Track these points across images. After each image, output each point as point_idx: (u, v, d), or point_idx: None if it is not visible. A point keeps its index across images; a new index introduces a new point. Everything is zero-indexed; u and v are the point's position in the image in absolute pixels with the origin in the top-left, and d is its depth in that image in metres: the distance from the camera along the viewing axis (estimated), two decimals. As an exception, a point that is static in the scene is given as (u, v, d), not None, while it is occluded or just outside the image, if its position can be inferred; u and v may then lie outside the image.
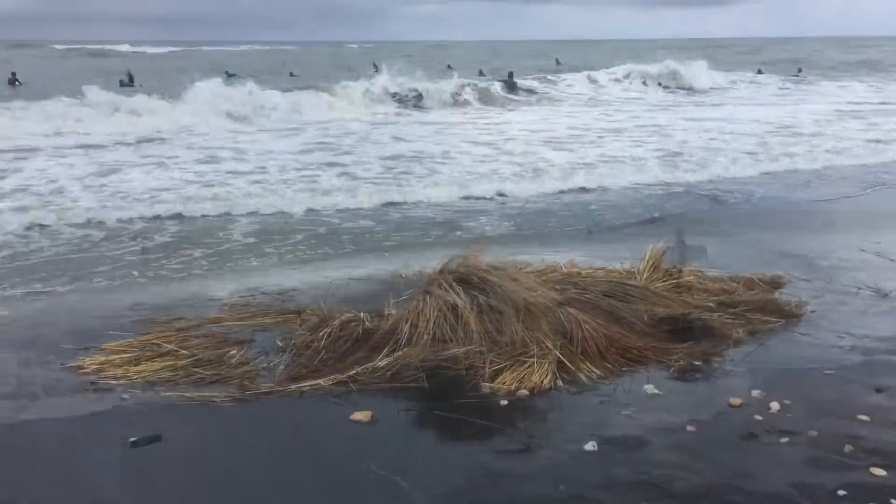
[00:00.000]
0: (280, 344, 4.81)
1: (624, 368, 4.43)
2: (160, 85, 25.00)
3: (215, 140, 15.78)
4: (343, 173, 12.05)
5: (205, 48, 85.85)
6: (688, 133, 16.99)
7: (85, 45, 76.99)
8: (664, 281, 5.49)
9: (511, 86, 28.61)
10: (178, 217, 9.12)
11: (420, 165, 12.67)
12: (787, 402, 3.98)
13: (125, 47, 75.10)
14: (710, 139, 15.98)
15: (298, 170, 12.30)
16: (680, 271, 5.69)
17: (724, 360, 4.57)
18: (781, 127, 18.09)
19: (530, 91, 29.23)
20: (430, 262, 5.46)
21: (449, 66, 39.63)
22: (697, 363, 4.52)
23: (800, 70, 40.31)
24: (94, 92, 19.51)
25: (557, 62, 47.09)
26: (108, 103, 19.03)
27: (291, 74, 37.79)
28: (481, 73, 34.75)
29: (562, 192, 10.79)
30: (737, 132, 17.06)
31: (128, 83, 29.56)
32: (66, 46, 76.23)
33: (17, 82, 29.82)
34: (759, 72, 38.76)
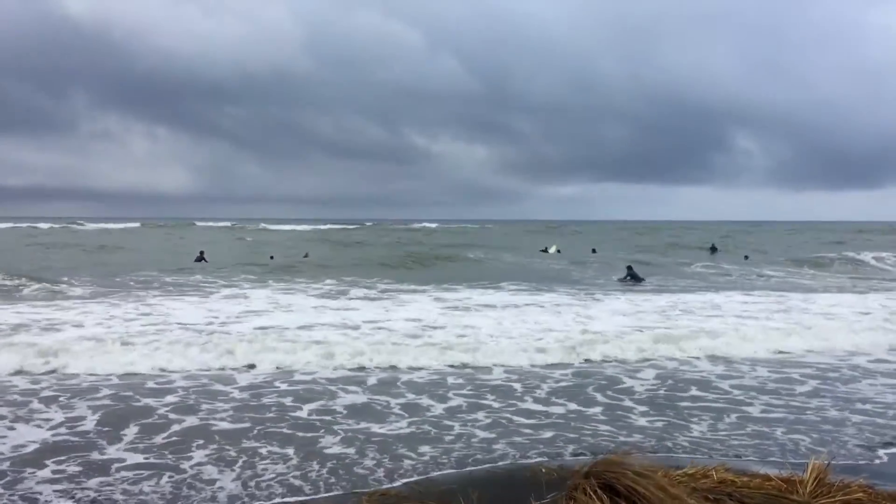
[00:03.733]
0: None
1: None
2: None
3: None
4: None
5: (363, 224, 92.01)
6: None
7: (231, 223, 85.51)
8: (830, 497, 5.04)
9: None
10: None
11: None
12: None
13: (296, 226, 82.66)
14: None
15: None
16: (848, 485, 5.22)
17: None
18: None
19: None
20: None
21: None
22: None
23: None
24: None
25: (714, 249, 47.28)
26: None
27: None
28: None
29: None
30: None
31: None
32: (226, 223, 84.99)
33: (203, 260, 32.95)
34: None
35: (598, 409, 8.51)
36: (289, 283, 23.59)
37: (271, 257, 33.23)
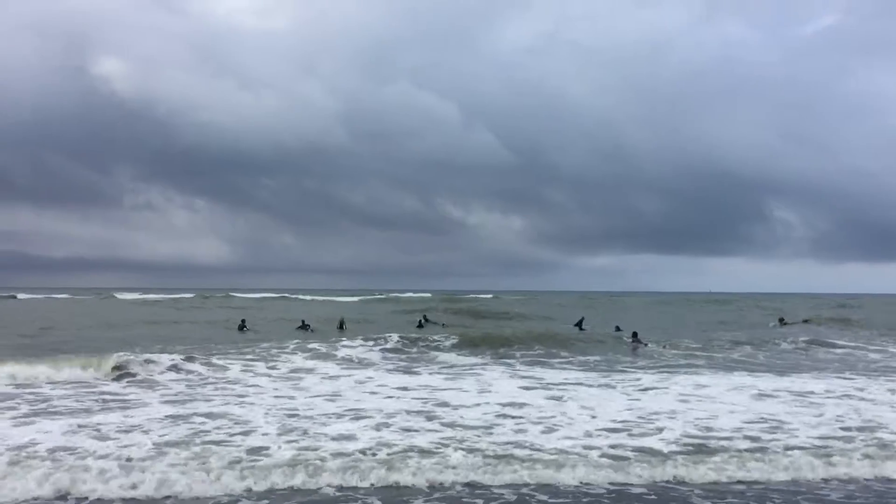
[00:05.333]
0: None
1: None
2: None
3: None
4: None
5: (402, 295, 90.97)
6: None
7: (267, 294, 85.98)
8: None
9: None
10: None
11: None
12: None
13: (348, 297, 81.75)
14: None
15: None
16: None
17: None
18: None
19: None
20: None
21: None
22: None
23: None
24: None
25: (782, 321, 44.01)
26: None
27: None
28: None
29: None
30: None
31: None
32: (260, 295, 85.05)
33: (245, 328, 32.14)
34: None
35: None
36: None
37: (308, 326, 32.42)
